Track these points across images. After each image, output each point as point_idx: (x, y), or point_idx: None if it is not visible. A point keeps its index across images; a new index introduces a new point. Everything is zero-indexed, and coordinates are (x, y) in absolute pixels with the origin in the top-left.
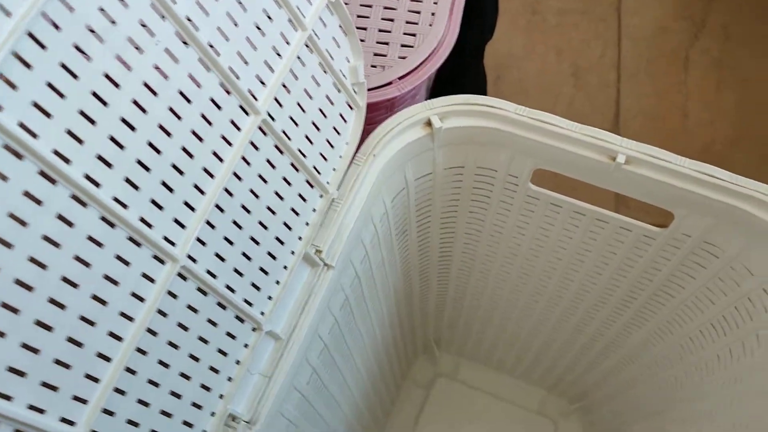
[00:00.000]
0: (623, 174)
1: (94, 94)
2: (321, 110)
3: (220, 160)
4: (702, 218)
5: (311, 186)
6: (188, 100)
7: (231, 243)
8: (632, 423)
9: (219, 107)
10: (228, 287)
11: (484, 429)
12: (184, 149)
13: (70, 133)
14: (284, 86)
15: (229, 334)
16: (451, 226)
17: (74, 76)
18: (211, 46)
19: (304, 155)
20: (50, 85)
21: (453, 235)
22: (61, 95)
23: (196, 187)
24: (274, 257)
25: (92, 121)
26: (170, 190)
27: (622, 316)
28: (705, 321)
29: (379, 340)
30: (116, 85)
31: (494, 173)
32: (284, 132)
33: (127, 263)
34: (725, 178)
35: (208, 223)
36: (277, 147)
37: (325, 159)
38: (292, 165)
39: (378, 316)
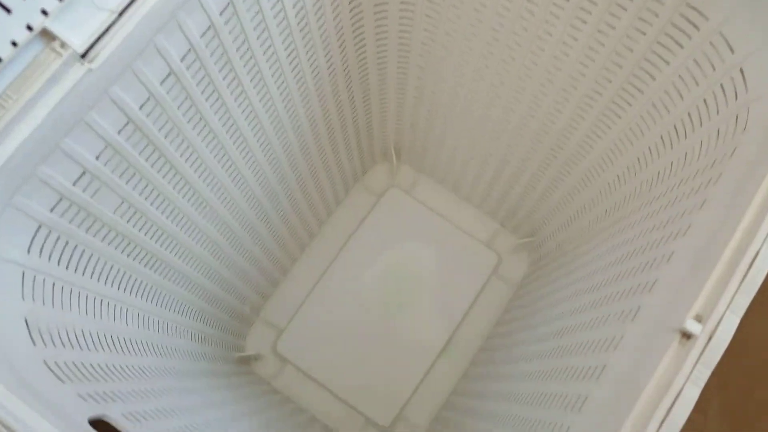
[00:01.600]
0: None
1: None
2: None
3: None
4: None
5: None
6: None
7: None
8: (575, 253)
9: None
10: None
11: (427, 248)
12: None
13: None
14: None
15: None
16: None
17: None
18: None
19: None
20: None
21: None
22: None
23: None
24: None
25: None
26: None
27: (584, 119)
28: (669, 124)
29: (314, 97)
30: None
31: None
32: None
33: None
34: None
35: None
36: None
37: None
38: None
39: (310, 61)
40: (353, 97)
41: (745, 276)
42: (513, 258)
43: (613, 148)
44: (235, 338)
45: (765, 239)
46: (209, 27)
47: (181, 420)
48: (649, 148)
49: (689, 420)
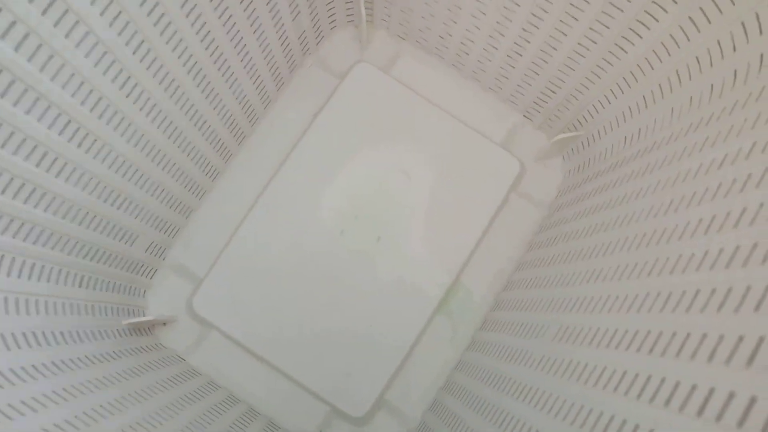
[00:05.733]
0: None
1: None
2: None
3: None
4: None
5: None
6: None
7: None
8: (631, 163)
9: None
10: None
11: (415, 154)
12: None
13: None
14: None
15: None
16: None
17: None
18: None
19: None
20: None
21: None
22: None
23: None
24: None
25: None
26: None
27: None
28: None
29: None
30: None
31: None
32: None
33: None
34: None
35: None
36: None
37: None
38: None
39: None
40: None
41: None
42: (541, 166)
43: None
44: (128, 297)
45: None
46: None
47: None
48: None
49: None
